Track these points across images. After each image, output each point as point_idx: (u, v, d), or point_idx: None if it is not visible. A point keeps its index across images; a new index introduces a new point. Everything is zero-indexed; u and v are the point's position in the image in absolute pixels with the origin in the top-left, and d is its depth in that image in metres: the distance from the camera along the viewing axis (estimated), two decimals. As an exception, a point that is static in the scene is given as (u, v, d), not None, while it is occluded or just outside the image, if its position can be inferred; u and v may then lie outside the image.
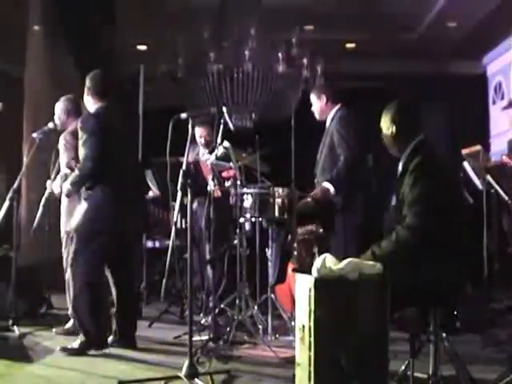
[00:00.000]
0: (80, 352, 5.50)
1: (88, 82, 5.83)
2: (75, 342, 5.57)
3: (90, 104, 5.83)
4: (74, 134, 5.90)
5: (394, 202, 4.49)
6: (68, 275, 6.15)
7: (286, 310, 6.23)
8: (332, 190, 6.22)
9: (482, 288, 6.70)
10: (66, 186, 5.74)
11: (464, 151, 6.87)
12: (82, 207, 5.61)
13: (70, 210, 6.16)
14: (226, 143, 6.35)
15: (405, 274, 4.02)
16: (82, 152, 5.58)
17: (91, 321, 5.55)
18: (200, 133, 7.53)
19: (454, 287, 4.33)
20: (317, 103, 6.63)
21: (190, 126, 4.91)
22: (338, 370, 3.62)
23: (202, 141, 7.63)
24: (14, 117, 9.30)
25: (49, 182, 6.47)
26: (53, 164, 6.51)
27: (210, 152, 7.32)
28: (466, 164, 6.81)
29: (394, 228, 4.21)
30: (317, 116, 6.64)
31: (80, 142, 5.60)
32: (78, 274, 5.57)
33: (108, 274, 5.79)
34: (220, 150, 6.49)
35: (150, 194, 7.89)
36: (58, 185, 6.22)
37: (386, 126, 4.49)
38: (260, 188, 6.29)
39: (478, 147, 6.81)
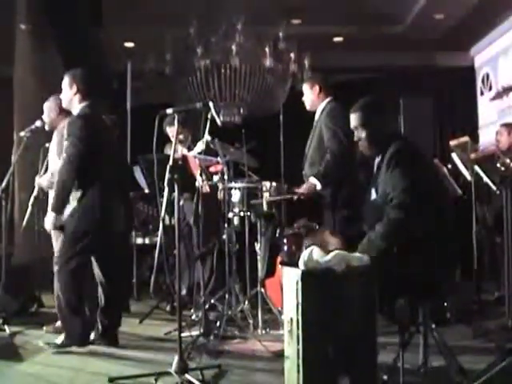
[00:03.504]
0: (62, 347, 5.52)
1: (72, 81, 5.79)
2: (58, 338, 5.59)
3: (75, 103, 5.78)
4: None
5: (373, 195, 4.48)
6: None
7: (276, 305, 6.23)
8: (319, 185, 6.22)
9: (471, 279, 6.72)
10: (50, 217, 5.74)
11: (452, 142, 6.88)
12: (71, 207, 5.60)
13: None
14: (207, 136, 6.35)
15: (395, 264, 4.03)
16: (63, 155, 5.59)
17: (73, 319, 5.56)
18: (172, 133, 7.40)
19: (442, 277, 4.35)
20: (309, 93, 6.56)
21: (176, 122, 4.91)
22: (327, 362, 3.62)
23: (175, 137, 7.55)
24: (3, 116, 9.28)
25: (37, 177, 6.46)
26: (41, 162, 6.50)
27: (188, 149, 7.32)
28: (454, 155, 6.82)
29: (375, 223, 4.22)
30: (307, 106, 6.59)
31: (65, 144, 5.60)
32: (62, 273, 5.57)
33: (96, 271, 5.80)
34: (199, 146, 6.51)
35: (146, 190, 7.86)
36: (45, 179, 6.23)
37: (358, 128, 4.48)
38: (248, 182, 6.29)
39: (465, 138, 6.82)
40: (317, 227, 6.12)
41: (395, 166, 4.21)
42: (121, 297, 6.16)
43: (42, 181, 6.34)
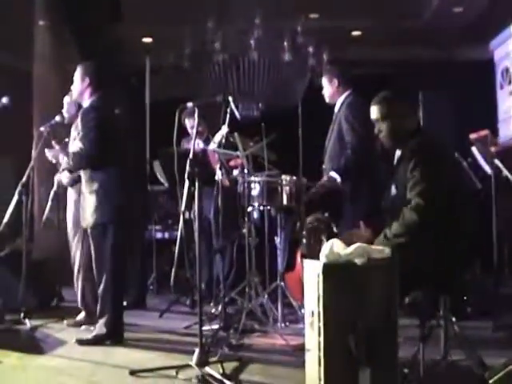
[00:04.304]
0: (95, 343, 5.55)
1: (84, 73, 5.82)
2: (91, 334, 5.62)
3: (86, 96, 5.82)
4: None
5: (393, 191, 4.46)
6: (77, 268, 6.21)
7: (296, 299, 6.24)
8: (339, 179, 6.20)
9: (491, 273, 6.68)
10: (65, 176, 5.84)
11: (472, 136, 6.84)
12: (91, 201, 5.63)
13: (77, 204, 6.18)
14: (225, 128, 6.37)
15: (414, 258, 4.02)
16: (79, 143, 5.63)
17: (115, 315, 5.62)
18: (191, 124, 7.44)
19: (462, 271, 4.34)
20: (328, 87, 6.54)
21: (196, 115, 4.93)
22: (348, 355, 3.62)
23: (194, 131, 7.55)
24: (23, 111, 9.31)
25: (57, 174, 6.50)
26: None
27: (204, 141, 7.31)
28: (474, 149, 6.79)
29: (394, 218, 4.21)
30: (326, 100, 6.56)
31: (80, 134, 5.65)
32: (105, 268, 5.62)
33: None
34: (218, 137, 6.52)
35: (166, 185, 7.87)
36: (65, 175, 6.27)
37: (380, 121, 4.46)
38: (268, 176, 6.29)
39: (485, 131, 6.79)
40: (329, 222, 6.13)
41: (415, 165, 4.18)
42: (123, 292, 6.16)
43: (62, 177, 6.37)
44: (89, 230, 5.73)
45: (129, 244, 5.93)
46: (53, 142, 6.19)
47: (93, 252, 5.70)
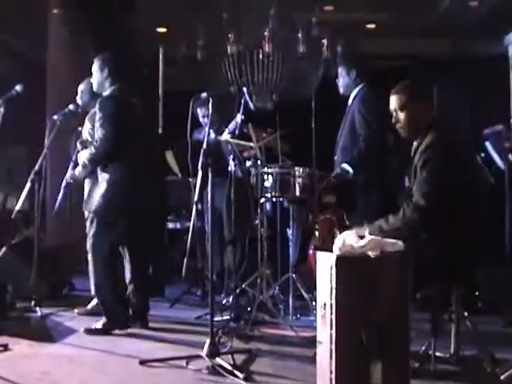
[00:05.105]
0: (104, 332, 5.56)
1: (103, 64, 5.82)
2: (98, 323, 5.63)
3: (106, 86, 5.83)
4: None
5: (406, 183, 4.45)
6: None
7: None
8: (351, 171, 6.18)
9: (503, 268, 6.66)
10: (78, 169, 5.84)
11: (485, 131, 6.82)
12: (101, 189, 5.64)
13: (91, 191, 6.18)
14: (239, 117, 6.36)
15: (427, 252, 4.01)
16: (98, 132, 5.61)
17: (113, 301, 5.62)
18: (203, 113, 7.45)
19: (473, 265, 4.33)
20: (345, 78, 6.52)
21: (210, 106, 4.92)
22: (360, 348, 3.61)
23: (206, 120, 7.54)
24: (37, 99, 9.33)
25: (70, 171, 6.46)
26: (73, 146, 6.52)
27: (215, 131, 7.30)
28: (487, 144, 6.76)
29: None
30: (341, 91, 6.56)
31: (96, 124, 5.64)
32: (98, 256, 5.62)
33: (125, 253, 5.85)
34: (232, 125, 6.51)
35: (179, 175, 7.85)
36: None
37: (398, 111, 4.44)
38: (281, 167, 6.28)
39: (499, 126, 6.76)
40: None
41: (425, 162, 4.17)
42: (148, 280, 6.18)
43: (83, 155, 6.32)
44: (91, 215, 5.73)
45: (139, 240, 5.92)
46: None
47: (92, 239, 5.71)
